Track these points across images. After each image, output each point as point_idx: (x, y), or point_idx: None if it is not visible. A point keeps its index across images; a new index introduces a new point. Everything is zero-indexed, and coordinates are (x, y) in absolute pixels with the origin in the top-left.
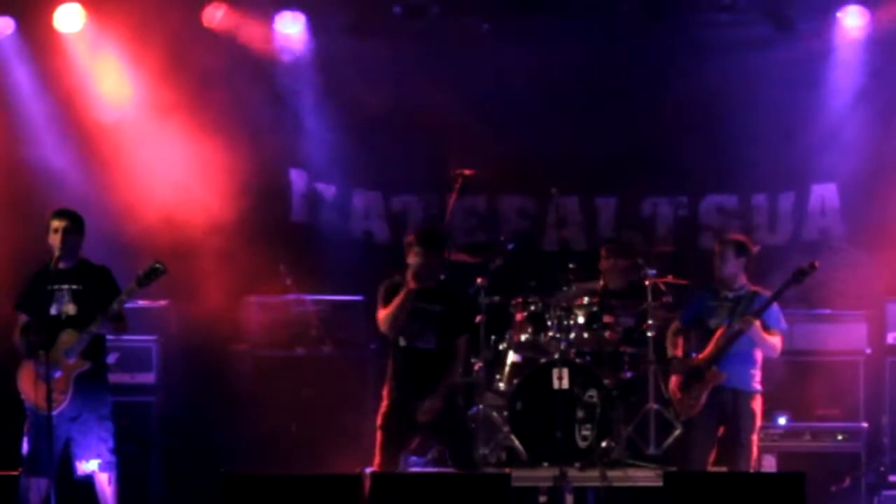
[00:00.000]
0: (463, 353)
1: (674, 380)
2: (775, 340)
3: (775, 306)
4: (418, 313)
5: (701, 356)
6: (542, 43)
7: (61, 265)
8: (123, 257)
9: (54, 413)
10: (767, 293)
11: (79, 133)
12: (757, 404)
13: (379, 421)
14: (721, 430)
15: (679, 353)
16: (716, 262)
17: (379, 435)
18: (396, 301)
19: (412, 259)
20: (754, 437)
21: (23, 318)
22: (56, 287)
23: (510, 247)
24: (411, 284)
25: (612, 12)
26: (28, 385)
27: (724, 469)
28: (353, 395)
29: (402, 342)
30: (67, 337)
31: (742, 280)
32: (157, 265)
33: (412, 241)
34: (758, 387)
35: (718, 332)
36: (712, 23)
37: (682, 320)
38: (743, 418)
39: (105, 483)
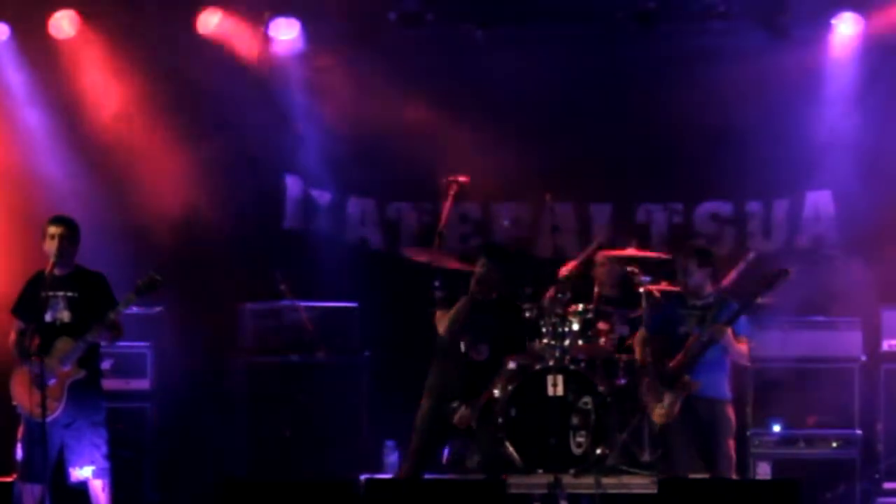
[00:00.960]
0: None
1: (646, 388)
2: (743, 348)
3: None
4: (474, 323)
5: (673, 364)
6: (536, 51)
7: (56, 272)
8: (118, 263)
9: (48, 420)
10: (733, 301)
11: (73, 138)
12: (731, 411)
13: (417, 422)
14: (695, 438)
15: (650, 360)
16: (678, 275)
17: (414, 437)
18: (457, 305)
19: (478, 269)
20: (732, 443)
21: (18, 324)
22: (51, 294)
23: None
24: (473, 290)
25: (606, 20)
26: (22, 391)
27: (706, 476)
28: (348, 401)
29: (461, 348)
30: (63, 344)
31: (709, 288)
32: (157, 277)
33: (480, 252)
34: (730, 394)
35: (689, 341)
36: (706, 31)
37: (649, 328)
38: (721, 426)
39: (99, 490)
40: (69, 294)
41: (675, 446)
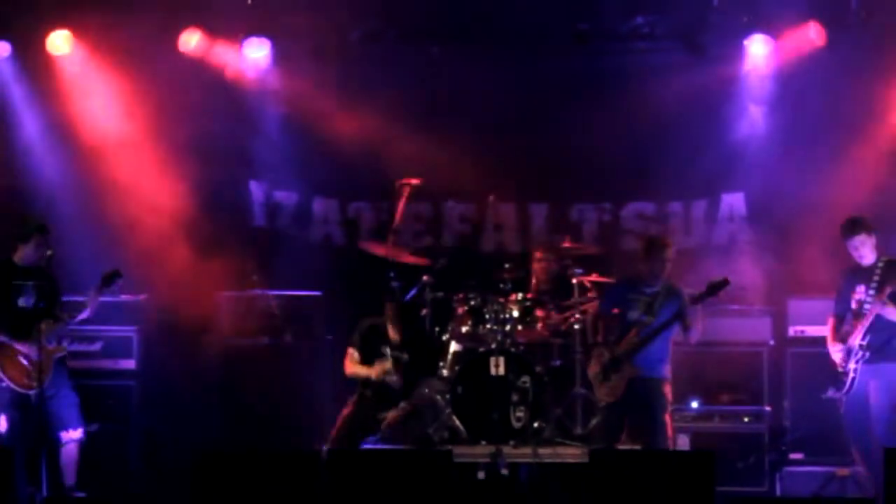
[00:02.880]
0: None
1: (593, 367)
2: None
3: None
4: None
5: (620, 348)
6: (484, 66)
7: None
8: (109, 258)
9: (35, 392)
10: (681, 288)
11: (68, 147)
12: (668, 389)
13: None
14: (635, 414)
15: (600, 339)
16: (639, 259)
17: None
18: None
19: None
20: (668, 418)
21: None
22: (22, 283)
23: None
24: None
25: (545, 39)
26: (12, 368)
27: (639, 447)
28: (311, 379)
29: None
30: (46, 325)
31: (662, 276)
32: (117, 271)
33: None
34: (668, 375)
35: (634, 328)
36: (633, 49)
37: (601, 308)
38: (658, 402)
39: (76, 451)
40: (39, 283)
41: (613, 423)
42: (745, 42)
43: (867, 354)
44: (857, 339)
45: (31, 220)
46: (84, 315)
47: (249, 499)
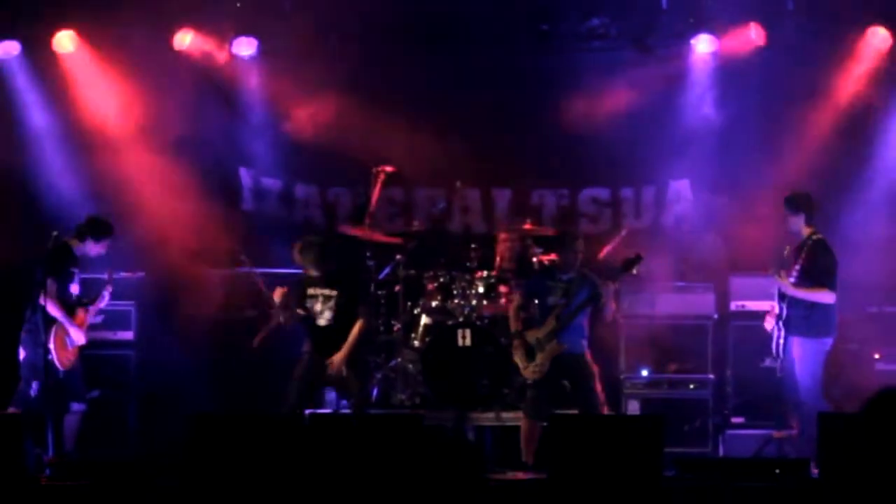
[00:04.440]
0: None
1: (517, 350)
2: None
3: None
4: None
5: (543, 330)
6: (453, 62)
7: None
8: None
9: (67, 369)
10: (593, 274)
11: (72, 138)
12: (590, 359)
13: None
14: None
15: (520, 327)
16: (558, 251)
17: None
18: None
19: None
20: (599, 386)
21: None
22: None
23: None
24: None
25: (510, 39)
26: (61, 348)
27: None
28: (294, 348)
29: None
30: (87, 314)
31: (576, 265)
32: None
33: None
34: (587, 348)
35: (558, 310)
36: (589, 48)
37: (523, 297)
38: (586, 373)
39: (79, 420)
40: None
41: (543, 396)
42: (692, 41)
43: (785, 327)
44: (776, 312)
45: (102, 220)
46: (101, 305)
47: (237, 457)
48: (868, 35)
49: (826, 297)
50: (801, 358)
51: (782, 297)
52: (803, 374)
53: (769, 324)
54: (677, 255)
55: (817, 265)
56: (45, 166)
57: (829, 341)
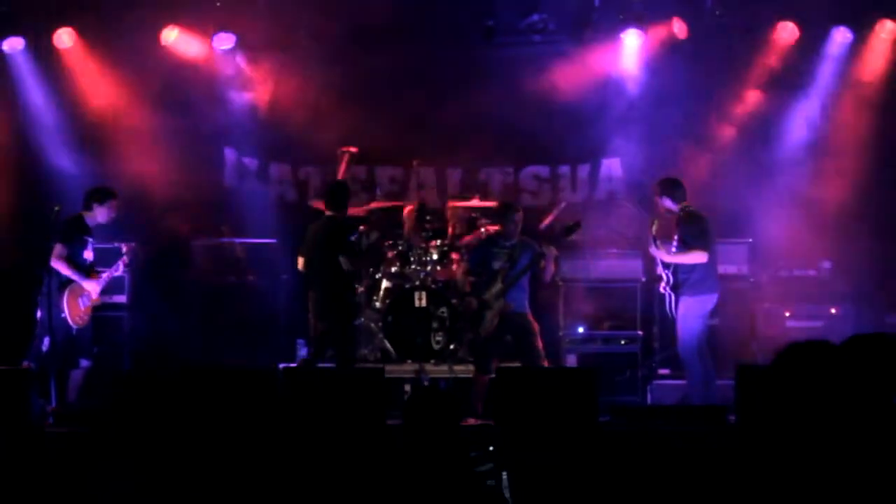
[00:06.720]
0: None
1: (467, 309)
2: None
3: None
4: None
5: (490, 291)
6: (410, 53)
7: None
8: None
9: (80, 327)
10: (533, 241)
11: (71, 124)
12: (532, 318)
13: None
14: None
15: (469, 289)
16: (501, 221)
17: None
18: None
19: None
20: (539, 342)
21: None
22: (89, 238)
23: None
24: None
25: (460, 35)
26: (74, 307)
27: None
28: (270, 310)
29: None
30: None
31: (517, 233)
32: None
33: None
34: (528, 307)
35: (499, 274)
36: (530, 42)
37: (471, 263)
38: (529, 331)
39: (83, 375)
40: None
41: (491, 350)
42: (621, 35)
43: (673, 290)
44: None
45: (103, 186)
46: (116, 273)
47: (221, 406)
48: (778, 29)
49: (698, 257)
50: (682, 315)
51: (666, 265)
52: (682, 330)
53: (663, 288)
54: (610, 226)
55: (689, 231)
56: (45, 150)
57: (711, 298)
